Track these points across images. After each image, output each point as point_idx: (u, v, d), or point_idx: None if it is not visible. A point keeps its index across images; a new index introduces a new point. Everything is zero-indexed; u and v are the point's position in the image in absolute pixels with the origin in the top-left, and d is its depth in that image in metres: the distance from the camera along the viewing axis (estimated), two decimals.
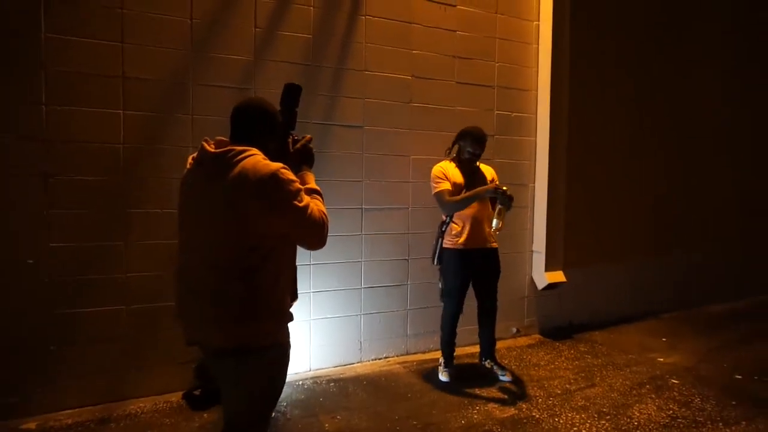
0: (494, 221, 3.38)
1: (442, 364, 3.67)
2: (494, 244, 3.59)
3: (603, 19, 4.88)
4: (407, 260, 4.04)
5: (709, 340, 4.59)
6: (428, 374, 3.70)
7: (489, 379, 3.62)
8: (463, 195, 3.41)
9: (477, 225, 3.48)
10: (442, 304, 3.64)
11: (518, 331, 4.57)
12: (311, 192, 1.75)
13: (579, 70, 4.62)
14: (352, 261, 3.82)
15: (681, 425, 3.01)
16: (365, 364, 3.87)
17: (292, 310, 1.75)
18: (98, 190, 3.02)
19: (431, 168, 3.55)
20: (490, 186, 3.41)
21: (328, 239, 1.72)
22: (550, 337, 4.59)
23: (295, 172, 1.72)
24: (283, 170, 1.59)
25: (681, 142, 5.55)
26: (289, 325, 1.74)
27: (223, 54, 3.32)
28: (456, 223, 3.50)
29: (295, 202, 1.59)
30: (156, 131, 3.16)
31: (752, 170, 6.28)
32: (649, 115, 5.27)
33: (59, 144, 2.91)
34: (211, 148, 1.65)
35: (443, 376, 3.61)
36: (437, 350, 3.91)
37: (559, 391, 3.45)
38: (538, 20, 4.51)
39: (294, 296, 1.79)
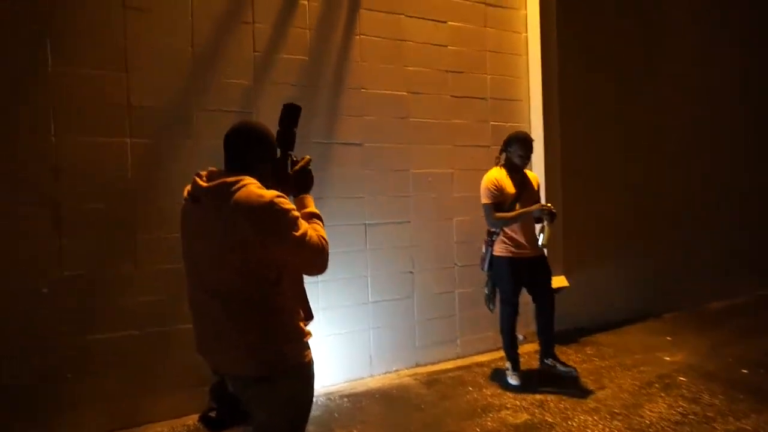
0: (540, 236, 3.56)
1: (510, 368, 3.75)
2: (541, 251, 3.72)
3: (590, 29, 5.02)
4: (412, 273, 4.09)
5: (711, 336, 4.65)
6: (438, 385, 3.73)
7: (501, 384, 3.67)
8: (512, 214, 3.53)
9: (526, 234, 3.62)
10: (489, 308, 3.79)
11: (524, 338, 4.59)
12: (310, 216, 1.73)
13: (568, 79, 4.73)
14: (358, 276, 3.86)
15: (692, 421, 3.06)
16: (376, 378, 3.88)
17: (309, 327, 1.77)
18: (107, 217, 3.06)
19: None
20: (536, 207, 3.53)
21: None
22: (556, 341, 4.62)
23: (294, 195, 1.74)
24: (278, 199, 1.55)
25: (670, 142, 5.66)
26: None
27: (224, 79, 3.39)
28: (507, 232, 3.62)
29: (293, 232, 1.56)
30: (161, 157, 3.21)
31: (747, 166, 6.39)
32: (638, 118, 5.38)
33: (68, 172, 2.95)
34: (203, 183, 1.63)
35: (513, 380, 3.70)
36: (446, 360, 3.95)
37: (569, 395, 3.48)
38: (526, 32, 4.64)
39: (309, 315, 1.79)
